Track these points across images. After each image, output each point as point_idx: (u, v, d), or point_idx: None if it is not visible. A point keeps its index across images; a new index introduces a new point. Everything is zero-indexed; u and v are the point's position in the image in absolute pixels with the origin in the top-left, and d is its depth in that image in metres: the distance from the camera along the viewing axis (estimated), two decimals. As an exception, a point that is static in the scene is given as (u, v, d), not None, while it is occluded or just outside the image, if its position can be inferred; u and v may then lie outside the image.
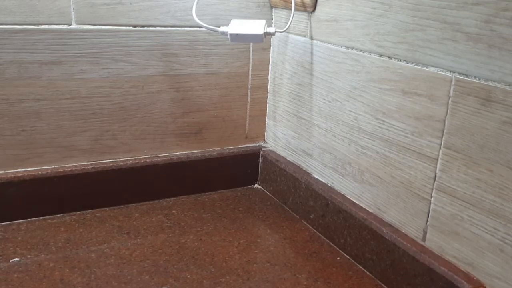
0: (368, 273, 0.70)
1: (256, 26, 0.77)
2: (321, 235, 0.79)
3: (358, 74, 0.71)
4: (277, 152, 0.94)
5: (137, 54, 0.81)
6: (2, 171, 0.77)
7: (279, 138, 0.93)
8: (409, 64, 0.62)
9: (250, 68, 0.91)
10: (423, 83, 0.60)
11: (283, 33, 0.87)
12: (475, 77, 0.54)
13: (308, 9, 0.79)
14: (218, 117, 0.91)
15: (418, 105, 0.61)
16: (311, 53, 0.80)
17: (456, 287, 0.57)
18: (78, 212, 0.81)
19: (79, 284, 0.64)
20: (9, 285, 0.64)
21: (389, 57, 0.65)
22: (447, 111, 0.58)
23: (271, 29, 0.77)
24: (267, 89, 0.95)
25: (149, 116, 0.85)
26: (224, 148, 0.94)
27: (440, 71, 0.58)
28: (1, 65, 0.73)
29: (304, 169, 0.86)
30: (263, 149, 0.96)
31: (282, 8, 0.86)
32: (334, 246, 0.76)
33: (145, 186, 0.86)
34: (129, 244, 0.74)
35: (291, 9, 0.80)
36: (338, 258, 0.73)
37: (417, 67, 0.61)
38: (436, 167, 0.60)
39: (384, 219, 0.69)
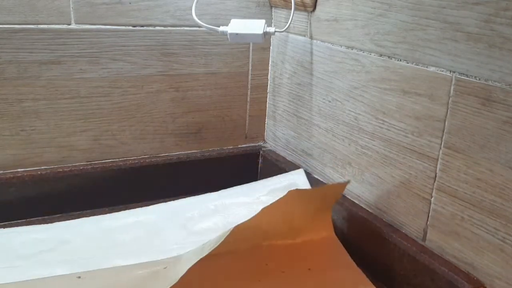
0: (368, 273, 0.69)
1: (255, 26, 0.76)
2: (321, 235, 0.79)
3: (358, 74, 0.71)
4: (277, 152, 0.94)
5: (137, 53, 0.81)
6: (1, 171, 0.77)
7: (279, 138, 0.93)
8: (409, 64, 0.62)
9: (250, 68, 0.91)
10: (423, 83, 0.60)
11: (283, 33, 0.87)
12: (475, 77, 0.54)
13: (308, 8, 0.79)
14: (218, 117, 0.91)
15: (418, 105, 0.61)
16: (311, 52, 0.80)
17: (456, 287, 0.57)
18: (78, 212, 0.81)
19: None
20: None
21: (389, 57, 0.65)
22: (447, 111, 0.58)
23: (270, 29, 0.77)
24: (267, 89, 0.94)
25: (148, 116, 0.85)
26: (224, 148, 0.93)
27: (440, 70, 0.58)
28: (0, 64, 0.72)
29: (304, 169, 0.86)
30: (262, 149, 0.96)
31: (282, 8, 0.86)
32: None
33: (145, 186, 0.86)
34: (129, 244, 0.74)
35: (291, 9, 0.80)
36: (338, 258, 0.74)
37: (417, 66, 0.61)
38: (436, 167, 0.60)
39: (384, 219, 0.69)
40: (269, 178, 0.81)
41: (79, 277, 0.59)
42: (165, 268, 0.60)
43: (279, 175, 0.82)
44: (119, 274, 0.60)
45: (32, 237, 0.67)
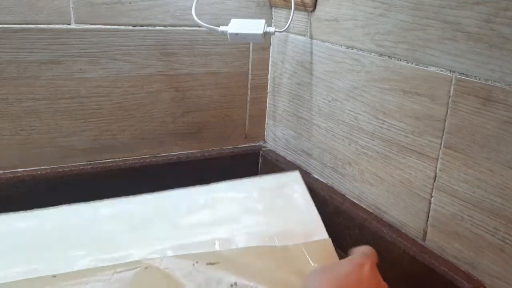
0: (368, 273, 0.69)
1: (255, 26, 0.76)
2: (321, 235, 0.79)
3: (358, 73, 0.71)
4: (277, 152, 0.94)
5: (137, 53, 0.81)
6: (1, 171, 0.77)
7: (279, 138, 0.93)
8: (409, 64, 0.62)
9: (250, 67, 0.91)
10: (423, 83, 0.60)
11: (282, 33, 0.87)
12: (475, 76, 0.54)
13: (308, 8, 0.79)
14: (218, 117, 0.91)
15: (418, 104, 0.61)
16: (311, 52, 0.80)
17: (456, 287, 0.57)
18: (78, 212, 0.81)
19: None
20: None
21: (389, 57, 0.65)
22: (447, 111, 0.58)
23: (270, 29, 0.77)
24: (267, 89, 0.94)
25: (148, 116, 0.85)
26: (224, 148, 0.93)
27: (440, 70, 0.58)
28: (0, 64, 0.72)
29: (304, 169, 0.86)
30: (262, 148, 0.96)
31: (282, 8, 0.86)
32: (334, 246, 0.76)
33: (145, 186, 0.86)
34: (129, 244, 0.74)
35: (291, 9, 0.80)
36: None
37: (417, 66, 0.61)
38: (436, 167, 0.60)
39: (384, 219, 0.69)
40: (262, 176, 0.80)
41: (55, 276, 0.58)
42: (146, 268, 0.60)
43: (273, 174, 0.80)
44: (97, 274, 0.59)
45: (13, 226, 0.65)
